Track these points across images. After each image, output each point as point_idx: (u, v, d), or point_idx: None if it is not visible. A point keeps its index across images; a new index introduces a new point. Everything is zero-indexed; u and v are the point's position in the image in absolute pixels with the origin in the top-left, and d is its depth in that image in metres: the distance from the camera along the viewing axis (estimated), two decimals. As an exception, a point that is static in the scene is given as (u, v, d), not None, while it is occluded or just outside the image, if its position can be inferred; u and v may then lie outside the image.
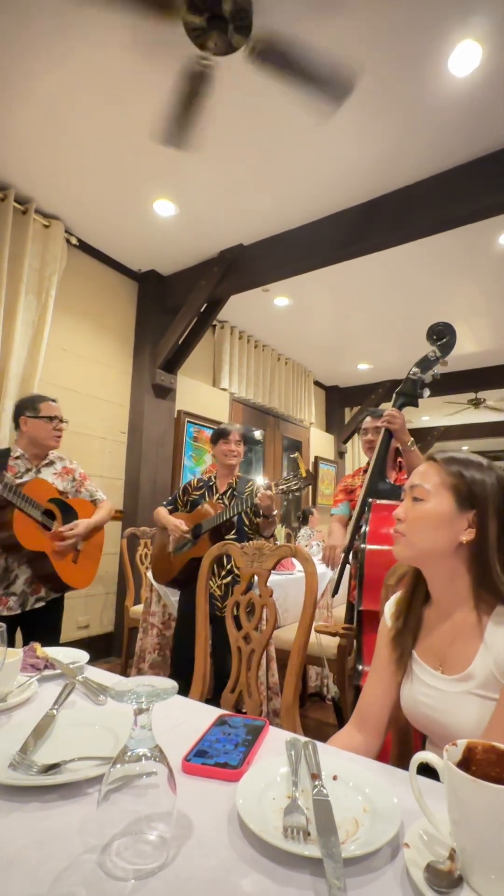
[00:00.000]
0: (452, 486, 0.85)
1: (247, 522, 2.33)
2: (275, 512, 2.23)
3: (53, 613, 2.07)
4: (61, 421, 2.08)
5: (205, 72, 2.01)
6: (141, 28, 1.96)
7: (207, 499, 2.39)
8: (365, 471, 2.47)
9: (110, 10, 1.87)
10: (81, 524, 2.03)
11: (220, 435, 2.42)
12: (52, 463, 2.11)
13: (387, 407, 2.03)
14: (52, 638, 2.04)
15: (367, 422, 2.43)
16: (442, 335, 1.87)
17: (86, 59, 2.19)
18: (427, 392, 1.91)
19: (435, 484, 0.86)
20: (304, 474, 2.08)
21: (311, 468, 6.65)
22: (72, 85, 2.32)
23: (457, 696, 0.81)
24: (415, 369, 1.89)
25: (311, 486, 6.59)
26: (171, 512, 2.46)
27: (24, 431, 2.01)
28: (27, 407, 2.03)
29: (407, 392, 1.89)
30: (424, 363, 1.88)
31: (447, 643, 0.85)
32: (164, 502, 2.53)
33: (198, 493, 2.45)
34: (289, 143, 2.65)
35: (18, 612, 1.92)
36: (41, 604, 1.99)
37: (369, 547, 1.58)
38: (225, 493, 2.39)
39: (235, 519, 2.27)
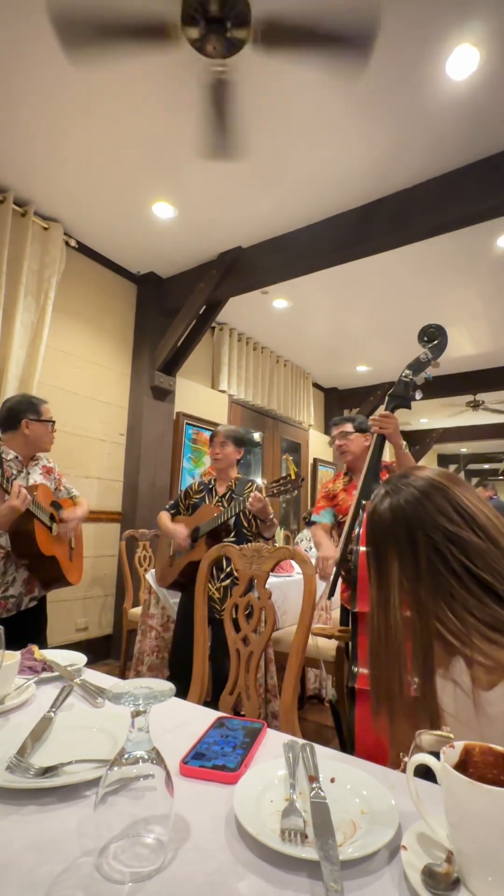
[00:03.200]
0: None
1: (245, 525, 2.33)
2: (271, 515, 2.23)
3: (42, 611, 2.12)
4: (54, 425, 2.12)
5: (222, 78, 1.99)
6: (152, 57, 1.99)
7: (207, 502, 2.40)
8: (345, 474, 2.45)
9: (113, 58, 1.91)
10: (78, 510, 2.15)
11: (210, 438, 2.49)
12: (36, 463, 2.12)
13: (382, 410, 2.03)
14: (42, 633, 2.10)
15: (333, 430, 2.43)
16: (433, 337, 1.86)
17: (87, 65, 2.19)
18: (419, 394, 1.89)
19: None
20: (293, 476, 2.10)
21: (309, 470, 6.65)
22: (72, 87, 2.33)
23: None
24: (406, 371, 1.87)
25: (307, 489, 6.60)
26: (173, 516, 2.48)
27: (24, 434, 2.01)
28: (29, 409, 2.01)
29: (399, 394, 1.86)
30: (416, 365, 1.86)
31: None
32: (167, 507, 2.54)
33: (198, 496, 2.46)
34: (288, 146, 2.66)
35: (14, 612, 1.93)
36: (34, 603, 2.02)
37: (362, 549, 1.58)
38: (224, 495, 2.39)
39: (233, 521, 2.27)
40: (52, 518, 2.02)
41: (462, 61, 2.13)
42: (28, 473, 2.05)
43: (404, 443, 1.95)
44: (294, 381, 6.15)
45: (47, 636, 2.16)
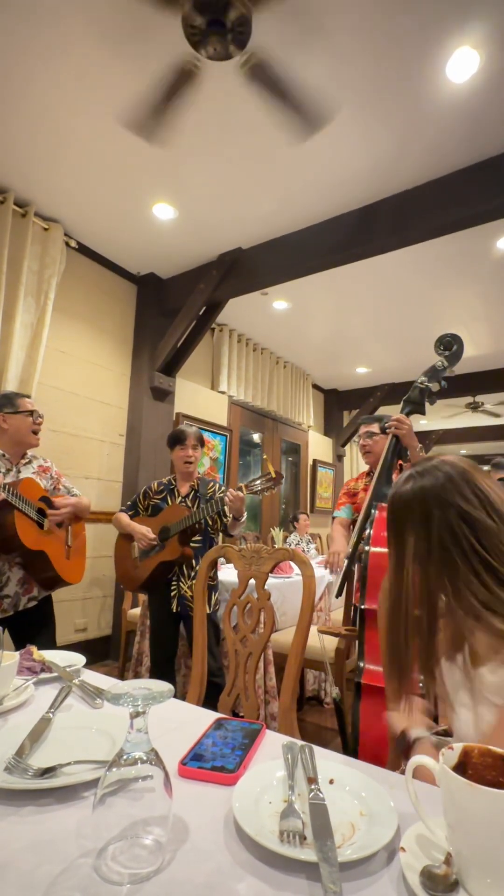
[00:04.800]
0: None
1: (210, 523, 2.36)
2: (244, 516, 2.26)
3: (45, 610, 2.07)
4: (39, 415, 2.05)
5: (193, 71, 2.01)
6: (138, 14, 1.94)
7: (170, 502, 2.38)
8: (368, 475, 2.49)
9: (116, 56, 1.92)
10: (70, 499, 2.10)
11: (175, 440, 2.41)
12: (29, 462, 2.09)
13: (387, 412, 2.07)
14: (48, 634, 2.06)
15: (361, 429, 2.51)
16: (450, 345, 1.92)
17: (85, 63, 2.20)
18: (434, 400, 1.96)
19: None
20: (273, 474, 2.13)
21: (308, 471, 6.65)
22: (71, 88, 2.33)
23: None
24: (422, 378, 1.92)
25: (306, 490, 6.59)
26: (132, 517, 2.44)
27: (4, 429, 1.97)
28: (5, 404, 1.98)
29: (414, 400, 1.92)
30: (432, 373, 1.92)
31: None
32: (124, 507, 2.51)
33: (159, 497, 2.43)
34: (288, 148, 2.66)
35: (11, 613, 1.91)
36: (33, 603, 1.98)
37: (373, 549, 1.60)
38: (188, 495, 2.39)
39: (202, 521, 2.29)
40: (41, 513, 1.97)
41: (462, 64, 2.13)
42: (19, 472, 2.02)
43: (419, 445, 2.00)
44: (294, 382, 6.16)
45: (56, 638, 2.11)
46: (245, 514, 2.26)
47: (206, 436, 4.62)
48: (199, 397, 4.66)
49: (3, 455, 2.00)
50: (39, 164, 2.85)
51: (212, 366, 5.01)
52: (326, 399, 7.29)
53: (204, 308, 3.93)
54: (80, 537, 2.21)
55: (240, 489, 2.17)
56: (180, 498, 2.40)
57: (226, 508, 2.21)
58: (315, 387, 6.95)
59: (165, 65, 2.02)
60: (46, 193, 3.11)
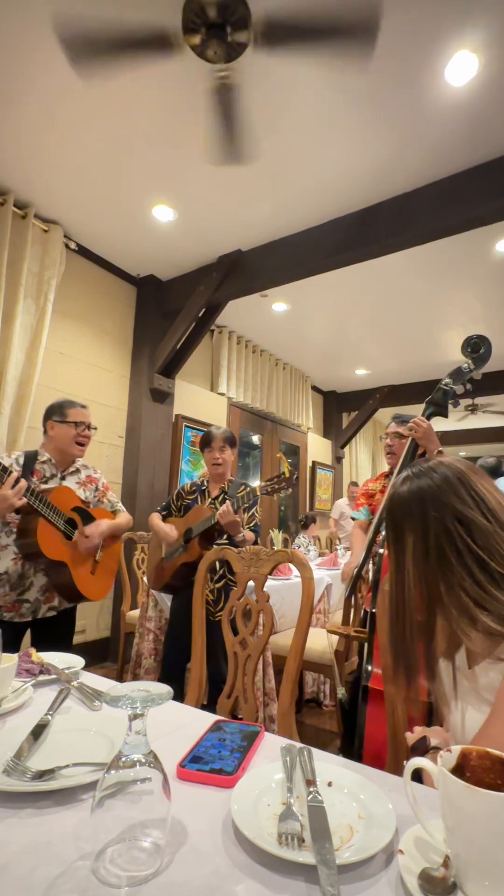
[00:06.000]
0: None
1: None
2: (240, 534, 2.20)
3: (64, 624, 2.01)
4: (88, 427, 2.02)
5: (227, 83, 2.00)
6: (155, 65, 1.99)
7: (200, 503, 2.39)
8: (387, 476, 2.49)
9: (117, 68, 1.94)
10: (104, 523, 2.00)
11: (204, 443, 2.42)
12: (77, 471, 2.07)
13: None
14: (59, 648, 2.00)
15: (390, 426, 2.45)
16: (477, 347, 1.86)
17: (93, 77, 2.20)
18: (458, 403, 1.91)
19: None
20: (287, 474, 2.09)
21: (308, 473, 6.65)
22: (72, 90, 2.34)
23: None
24: (447, 380, 1.87)
25: (306, 492, 6.59)
26: (164, 517, 2.47)
27: (50, 436, 1.99)
28: (55, 411, 2.00)
29: (437, 402, 1.87)
30: (457, 374, 1.86)
31: None
32: (158, 508, 2.54)
33: (191, 497, 2.45)
34: (288, 150, 2.67)
35: (29, 619, 1.88)
36: (52, 613, 1.94)
37: (386, 551, 1.59)
38: (217, 497, 2.39)
39: None
40: (72, 523, 1.92)
41: (461, 67, 2.14)
42: (63, 479, 2.01)
43: (439, 448, 1.96)
44: (293, 383, 6.16)
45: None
46: (241, 534, 2.20)
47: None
48: (198, 399, 4.66)
49: (50, 460, 1.99)
50: (40, 165, 2.85)
51: (211, 367, 5.01)
52: (326, 401, 7.30)
53: (203, 310, 3.94)
54: (113, 555, 2.13)
55: (250, 493, 2.13)
56: (210, 499, 2.39)
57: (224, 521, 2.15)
58: (314, 388, 6.96)
59: (203, 90, 2.06)
60: (46, 195, 3.11)
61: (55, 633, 1.96)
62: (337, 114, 2.41)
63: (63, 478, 2.02)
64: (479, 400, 7.02)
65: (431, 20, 1.96)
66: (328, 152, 2.68)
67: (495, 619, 0.68)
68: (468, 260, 3.68)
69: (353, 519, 2.62)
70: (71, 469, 2.06)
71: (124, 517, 2.15)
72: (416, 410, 2.03)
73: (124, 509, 2.21)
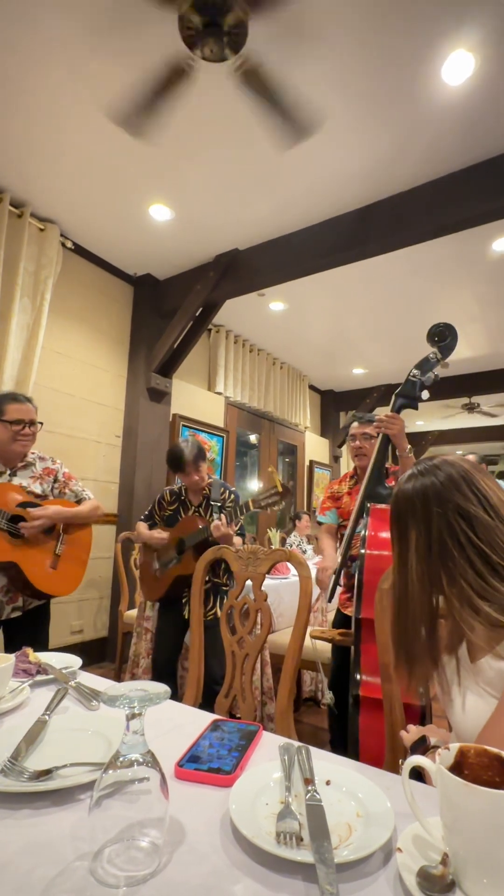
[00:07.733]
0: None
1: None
2: (236, 547, 2.19)
3: (35, 624, 1.95)
4: (30, 425, 1.90)
5: (186, 70, 2.00)
6: (135, 10, 1.94)
7: (183, 514, 2.35)
8: (352, 476, 2.34)
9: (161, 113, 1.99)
10: (50, 508, 1.88)
11: (175, 468, 2.27)
12: (29, 465, 1.98)
13: (384, 411, 1.97)
14: (35, 649, 1.97)
15: (354, 427, 2.26)
16: (443, 336, 1.81)
17: (80, 61, 2.19)
18: (426, 394, 1.82)
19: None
20: (280, 489, 2.01)
21: (305, 472, 6.66)
22: (67, 88, 2.33)
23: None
24: (414, 371, 1.81)
25: (304, 491, 6.60)
26: (150, 528, 2.42)
27: None
28: None
29: (406, 394, 1.80)
30: (424, 365, 1.81)
31: None
32: (142, 517, 2.48)
33: (172, 507, 2.39)
34: (285, 149, 2.67)
35: None
36: (17, 614, 1.88)
37: (369, 552, 1.55)
38: (200, 505, 2.34)
39: None
40: (16, 520, 1.83)
41: (457, 67, 2.14)
42: (13, 475, 1.92)
43: (409, 446, 1.87)
44: (290, 383, 6.16)
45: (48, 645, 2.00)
46: (236, 547, 2.20)
47: (203, 437, 4.62)
48: (195, 398, 4.65)
49: None
50: (36, 164, 2.84)
51: (208, 367, 5.00)
52: (323, 400, 7.30)
53: (201, 309, 3.93)
54: (80, 545, 2.05)
55: (243, 507, 2.10)
56: (193, 508, 2.34)
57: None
58: (312, 388, 6.96)
59: (159, 62, 2.01)
60: (42, 194, 3.10)
61: (27, 635, 1.89)
62: (334, 112, 2.41)
63: (14, 474, 1.93)
64: (475, 399, 7.04)
65: (428, 19, 1.96)
66: (325, 151, 2.68)
67: (497, 609, 0.69)
68: (465, 259, 3.69)
69: (320, 524, 2.41)
70: (21, 464, 1.96)
71: (88, 504, 2.04)
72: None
73: (91, 497, 2.09)
